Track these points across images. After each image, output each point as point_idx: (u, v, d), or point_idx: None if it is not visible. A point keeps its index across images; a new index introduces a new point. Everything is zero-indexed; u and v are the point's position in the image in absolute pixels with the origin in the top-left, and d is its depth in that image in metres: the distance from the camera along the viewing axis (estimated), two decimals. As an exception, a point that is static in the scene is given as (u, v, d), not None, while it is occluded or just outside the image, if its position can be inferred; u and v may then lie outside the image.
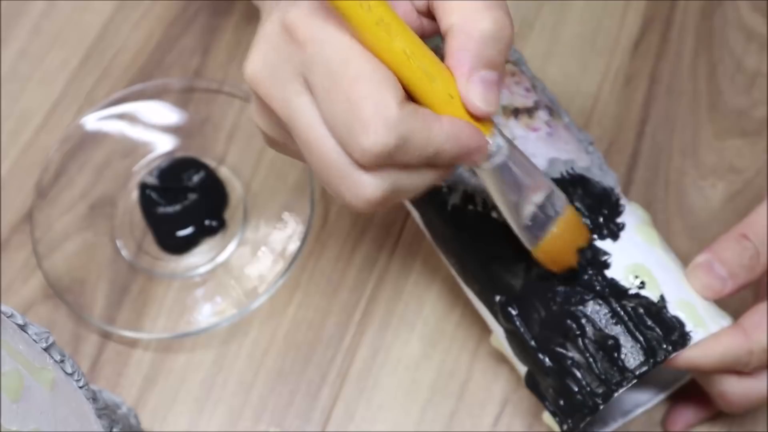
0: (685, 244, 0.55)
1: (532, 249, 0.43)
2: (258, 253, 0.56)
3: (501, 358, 0.53)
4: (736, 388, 0.45)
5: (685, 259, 0.47)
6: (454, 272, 0.50)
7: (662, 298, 0.44)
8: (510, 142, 0.40)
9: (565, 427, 0.44)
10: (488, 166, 0.40)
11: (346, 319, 0.55)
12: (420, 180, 0.38)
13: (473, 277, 0.48)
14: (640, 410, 0.50)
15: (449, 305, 0.55)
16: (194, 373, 0.54)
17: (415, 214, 0.51)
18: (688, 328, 0.43)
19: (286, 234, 0.56)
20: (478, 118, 0.38)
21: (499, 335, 0.47)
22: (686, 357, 0.43)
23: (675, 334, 0.43)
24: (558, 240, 0.43)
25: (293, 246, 0.55)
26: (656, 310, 0.44)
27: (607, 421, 0.50)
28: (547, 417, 0.46)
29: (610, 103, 0.60)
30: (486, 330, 0.53)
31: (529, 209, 0.42)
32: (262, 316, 0.55)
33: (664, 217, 0.57)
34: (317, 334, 0.55)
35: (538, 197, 0.42)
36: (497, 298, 0.46)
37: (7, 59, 0.63)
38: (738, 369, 0.44)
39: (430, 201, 0.49)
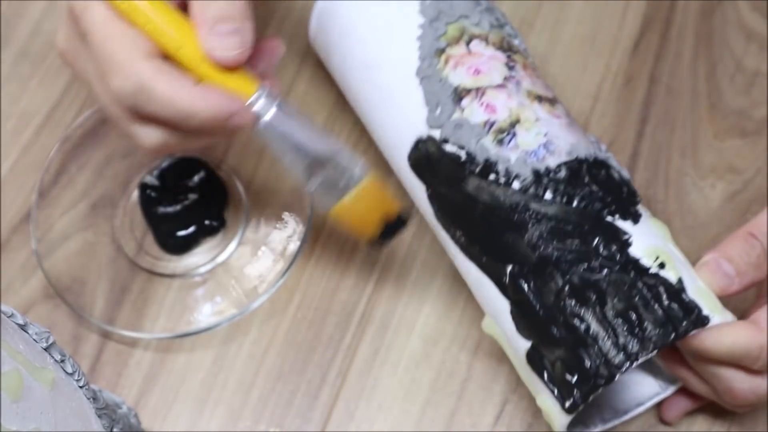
0: (684, 244, 0.55)
1: (324, 212, 0.47)
2: (258, 253, 0.56)
3: (501, 357, 0.53)
4: (744, 384, 0.45)
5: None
6: (456, 249, 0.49)
7: (680, 281, 0.44)
8: (285, 105, 0.44)
9: (568, 403, 0.44)
10: (259, 130, 0.44)
11: (346, 319, 0.55)
12: (190, 140, 0.44)
13: (482, 248, 0.48)
14: (617, 421, 0.50)
15: (449, 304, 0.55)
16: (194, 373, 0.54)
17: (419, 188, 0.51)
18: (705, 311, 0.44)
19: (286, 234, 0.56)
20: (238, 82, 0.43)
21: (499, 314, 0.47)
22: (700, 339, 0.43)
23: (693, 314, 0.43)
24: (352, 208, 0.47)
25: (293, 246, 0.55)
26: (675, 291, 0.44)
27: (587, 424, 0.49)
28: (542, 400, 0.46)
29: (610, 103, 0.60)
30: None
31: (309, 173, 0.45)
32: (262, 316, 0.55)
33: (664, 217, 0.57)
34: (317, 334, 0.55)
35: (318, 160, 0.45)
36: (509, 267, 0.46)
37: (8, 59, 0.63)
38: (745, 363, 0.44)
39: (443, 172, 0.49)
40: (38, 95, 0.62)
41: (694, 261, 0.47)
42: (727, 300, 0.46)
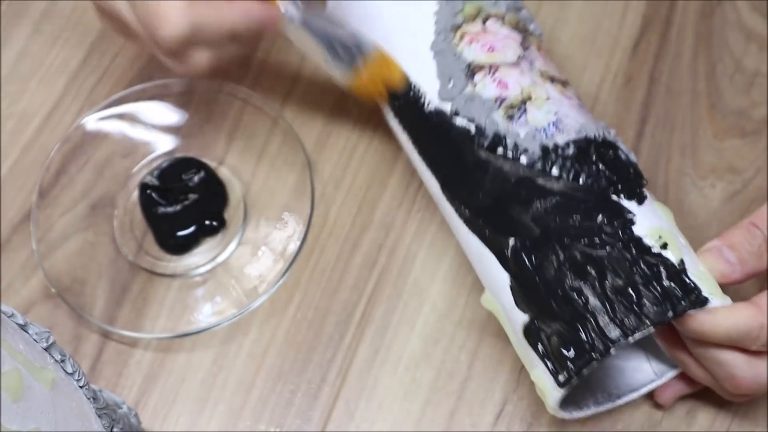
0: (684, 243, 0.56)
1: (345, 83, 0.53)
2: (258, 253, 0.56)
3: (501, 356, 0.54)
4: (745, 371, 0.45)
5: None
6: (459, 222, 0.49)
7: (682, 262, 0.44)
8: (307, 6, 0.51)
9: (562, 377, 0.44)
10: (289, 28, 0.51)
11: (346, 318, 0.55)
12: (234, 49, 0.50)
13: (486, 221, 0.48)
14: (609, 405, 0.50)
15: (449, 304, 0.55)
16: (194, 373, 0.54)
17: (423, 164, 0.51)
18: (705, 293, 0.44)
19: (286, 234, 0.56)
20: None
21: (498, 288, 0.47)
22: (699, 320, 0.44)
23: (693, 295, 0.43)
24: (364, 73, 0.52)
25: (293, 246, 0.55)
26: (676, 271, 0.44)
27: (580, 405, 0.49)
28: (536, 374, 0.46)
29: (609, 103, 0.60)
30: (487, 328, 0.53)
31: (332, 56, 0.52)
32: (262, 316, 0.55)
33: (663, 217, 0.57)
34: (317, 334, 0.55)
35: (339, 44, 0.52)
36: (511, 241, 0.46)
37: (8, 60, 0.63)
38: (744, 344, 0.44)
39: (451, 144, 0.49)
40: (38, 95, 0.62)
41: (693, 261, 0.47)
42: (726, 292, 0.46)
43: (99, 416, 0.41)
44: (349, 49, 0.52)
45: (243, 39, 0.49)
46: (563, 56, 0.62)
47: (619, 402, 0.50)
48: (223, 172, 0.59)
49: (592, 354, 0.43)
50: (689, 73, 0.61)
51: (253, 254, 0.56)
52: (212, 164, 0.59)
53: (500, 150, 0.48)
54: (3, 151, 0.60)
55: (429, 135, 0.50)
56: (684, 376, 0.50)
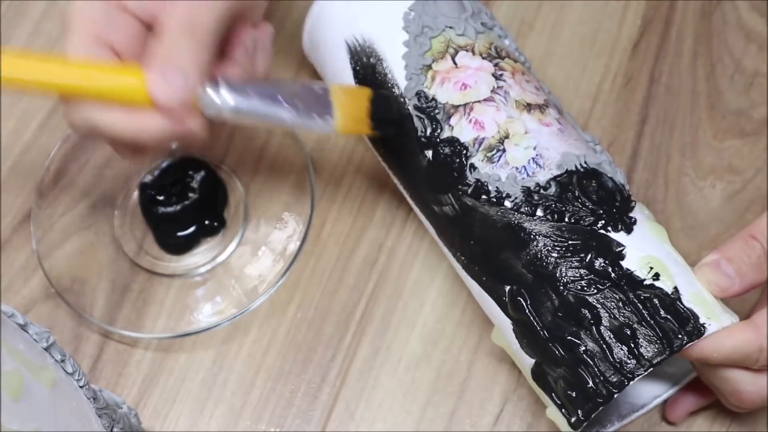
0: (684, 244, 0.56)
1: (334, 133, 0.50)
2: (258, 253, 0.56)
3: (501, 357, 0.54)
4: (750, 387, 0.45)
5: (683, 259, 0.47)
6: (458, 266, 0.50)
7: (676, 290, 0.44)
8: (235, 83, 0.45)
9: (573, 419, 0.44)
10: (223, 114, 0.45)
11: (346, 319, 0.55)
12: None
13: (481, 268, 0.48)
14: (635, 415, 0.50)
15: (449, 304, 0.55)
16: (194, 373, 0.54)
17: (417, 208, 0.51)
18: (701, 320, 0.43)
19: (286, 234, 0.56)
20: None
21: (503, 329, 0.47)
22: (697, 349, 0.43)
23: (689, 325, 0.43)
24: (344, 118, 0.48)
25: (293, 246, 0.55)
26: (670, 301, 0.44)
27: (603, 423, 0.50)
28: (551, 412, 0.46)
29: (609, 103, 0.60)
30: (486, 328, 0.53)
31: (293, 119, 0.47)
32: (262, 316, 0.55)
33: (663, 217, 0.57)
34: (317, 334, 0.55)
35: (295, 103, 0.46)
36: (507, 288, 0.46)
37: (8, 59, 0.63)
38: (746, 365, 0.44)
39: (437, 191, 0.49)
40: (38, 95, 0.62)
41: (693, 261, 0.47)
42: (726, 303, 0.46)
43: (99, 416, 0.41)
44: (310, 102, 0.47)
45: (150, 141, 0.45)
46: (563, 56, 0.62)
47: (643, 411, 0.50)
48: (223, 172, 0.59)
49: (597, 400, 0.43)
50: (689, 73, 0.61)
51: (253, 254, 0.56)
52: (212, 164, 0.59)
53: (484, 197, 0.47)
54: (3, 151, 0.60)
55: (416, 184, 0.49)
56: (692, 392, 0.50)
